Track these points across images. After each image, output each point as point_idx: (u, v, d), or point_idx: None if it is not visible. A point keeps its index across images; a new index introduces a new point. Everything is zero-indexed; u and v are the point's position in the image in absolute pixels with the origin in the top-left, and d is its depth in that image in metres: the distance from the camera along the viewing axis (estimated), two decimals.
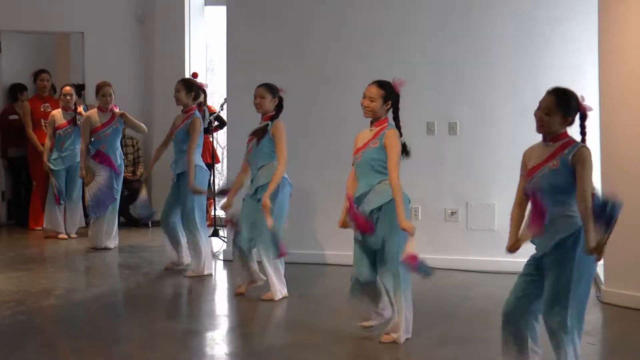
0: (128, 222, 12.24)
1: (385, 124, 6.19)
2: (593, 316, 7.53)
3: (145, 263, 9.68)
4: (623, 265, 7.87)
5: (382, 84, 6.27)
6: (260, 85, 7.65)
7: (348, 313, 6.79)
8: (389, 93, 6.22)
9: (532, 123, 8.15)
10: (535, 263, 5.02)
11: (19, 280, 8.60)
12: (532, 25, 9.11)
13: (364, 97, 6.22)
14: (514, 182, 8.86)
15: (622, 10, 7.92)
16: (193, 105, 8.78)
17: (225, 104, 10.37)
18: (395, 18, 9.37)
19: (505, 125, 8.87)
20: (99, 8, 12.38)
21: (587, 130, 5.16)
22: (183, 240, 8.94)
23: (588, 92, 8.63)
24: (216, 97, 11.98)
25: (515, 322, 5.11)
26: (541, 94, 8.78)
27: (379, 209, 6.10)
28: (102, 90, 10.18)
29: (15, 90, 12.28)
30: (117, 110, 10.24)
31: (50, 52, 13.33)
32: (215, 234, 11.16)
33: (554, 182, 4.93)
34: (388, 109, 6.28)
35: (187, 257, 9.01)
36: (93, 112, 10.24)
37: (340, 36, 9.50)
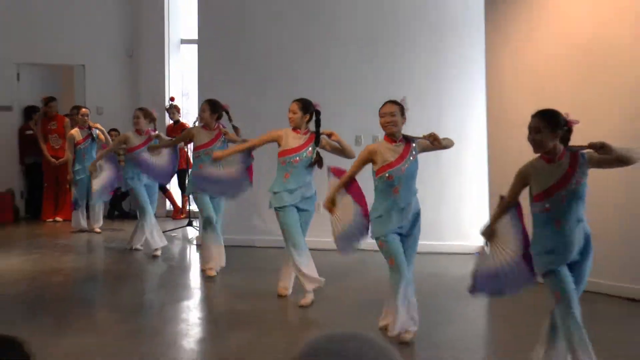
0: (121, 214, 12.27)
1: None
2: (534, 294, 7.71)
3: (133, 250, 9.41)
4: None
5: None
6: (294, 100, 6.67)
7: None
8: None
9: (439, 125, 8.00)
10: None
11: (34, 262, 8.66)
12: (435, 62, 9.27)
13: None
14: (420, 182, 8.80)
15: (503, 50, 8.09)
16: (217, 124, 7.70)
17: (197, 122, 10.41)
18: (340, 55, 9.49)
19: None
20: (97, 45, 12.36)
21: (570, 142, 4.65)
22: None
23: (479, 113, 8.94)
24: (190, 116, 11.95)
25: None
26: (441, 113, 9.04)
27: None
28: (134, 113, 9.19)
29: (30, 111, 12.26)
30: (154, 133, 9.08)
31: (58, 81, 13.26)
32: (189, 224, 11.05)
33: (581, 195, 4.50)
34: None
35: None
36: (130, 134, 9.03)
37: (291, 69, 9.55)
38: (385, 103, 5.61)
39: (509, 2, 8.01)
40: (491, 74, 8.24)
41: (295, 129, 6.57)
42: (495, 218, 4.80)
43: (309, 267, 6.54)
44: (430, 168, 8.88)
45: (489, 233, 4.78)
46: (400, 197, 5.40)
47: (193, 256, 9.20)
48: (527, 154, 6.43)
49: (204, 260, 7.94)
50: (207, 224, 7.82)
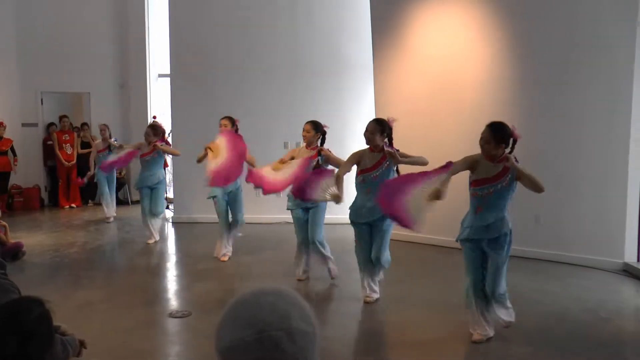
0: (118, 202, 11.90)
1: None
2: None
3: (126, 227, 9.31)
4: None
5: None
6: (307, 122, 5.81)
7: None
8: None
9: (343, 138, 7.69)
10: (477, 245, 4.13)
11: (55, 237, 8.51)
12: (338, 90, 9.16)
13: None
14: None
15: (386, 84, 8.05)
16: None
17: (171, 134, 9.92)
18: (270, 80, 9.28)
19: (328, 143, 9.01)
20: (99, 78, 11.93)
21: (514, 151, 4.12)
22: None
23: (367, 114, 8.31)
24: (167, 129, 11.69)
25: (480, 289, 4.19)
26: (344, 127, 8.74)
27: None
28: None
29: (51, 127, 11.97)
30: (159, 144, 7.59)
31: (71, 104, 12.94)
32: (167, 207, 10.65)
33: (504, 194, 4.04)
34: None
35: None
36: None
37: (236, 92, 9.31)
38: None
39: (391, 50, 8.01)
40: (378, 100, 8.19)
41: (307, 145, 5.74)
42: (444, 182, 4.00)
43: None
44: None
45: (438, 193, 3.95)
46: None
47: (169, 231, 9.03)
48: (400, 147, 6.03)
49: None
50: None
